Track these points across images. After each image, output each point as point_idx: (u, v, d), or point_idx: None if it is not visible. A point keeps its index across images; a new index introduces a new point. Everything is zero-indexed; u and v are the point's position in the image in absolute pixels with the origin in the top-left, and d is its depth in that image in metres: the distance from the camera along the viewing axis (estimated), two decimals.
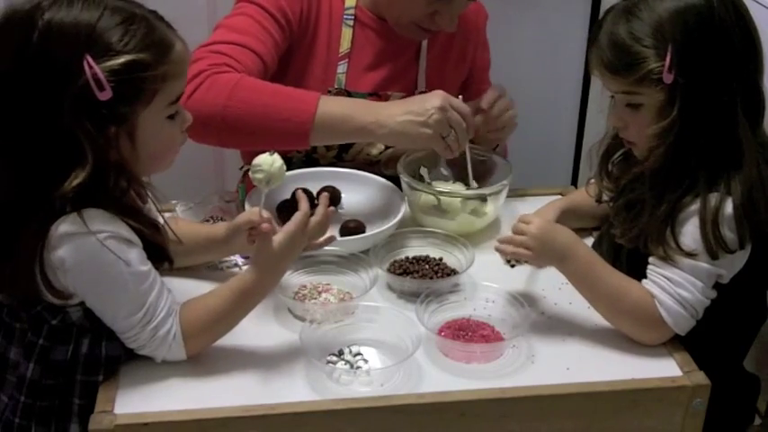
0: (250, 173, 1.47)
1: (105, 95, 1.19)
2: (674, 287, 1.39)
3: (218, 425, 1.26)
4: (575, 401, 1.34)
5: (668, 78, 1.35)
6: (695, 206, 1.38)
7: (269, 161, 1.44)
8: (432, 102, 1.59)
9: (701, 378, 1.36)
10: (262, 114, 1.59)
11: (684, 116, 1.36)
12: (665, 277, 1.40)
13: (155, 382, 1.33)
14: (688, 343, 1.42)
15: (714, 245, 1.36)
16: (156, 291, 1.30)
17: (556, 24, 2.59)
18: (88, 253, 1.23)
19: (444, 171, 1.80)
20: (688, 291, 1.38)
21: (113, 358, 1.33)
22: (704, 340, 1.43)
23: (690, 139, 1.37)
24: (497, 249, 1.48)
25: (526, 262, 1.52)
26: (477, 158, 1.76)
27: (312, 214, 1.67)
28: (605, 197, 1.58)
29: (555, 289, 1.56)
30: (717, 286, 1.41)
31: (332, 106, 1.62)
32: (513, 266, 1.54)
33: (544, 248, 1.43)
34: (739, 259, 1.41)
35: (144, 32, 1.24)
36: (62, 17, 1.20)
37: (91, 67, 1.18)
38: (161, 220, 1.38)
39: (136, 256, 1.28)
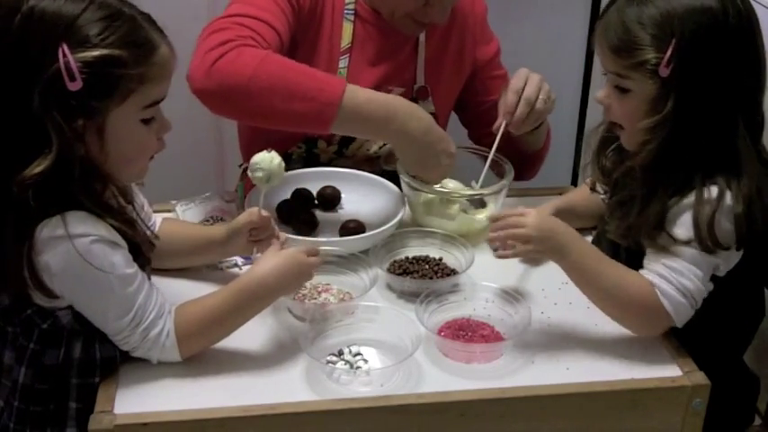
0: (249, 172, 1.46)
1: (75, 86, 1.18)
2: (675, 275, 1.37)
3: (218, 425, 1.26)
4: (574, 401, 1.34)
5: (664, 72, 1.34)
6: (689, 200, 1.37)
7: (267, 159, 1.44)
8: (444, 158, 1.65)
9: (700, 378, 1.36)
10: (287, 91, 1.55)
11: (678, 115, 1.35)
12: (666, 266, 1.38)
13: (154, 383, 1.33)
14: (687, 341, 1.43)
15: (708, 237, 1.35)
16: (145, 292, 1.30)
17: (556, 24, 2.59)
18: (72, 258, 1.22)
19: None
20: (689, 279, 1.37)
21: (109, 359, 1.32)
22: (703, 338, 1.43)
23: (683, 138, 1.36)
24: (493, 239, 1.46)
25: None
26: (495, 161, 1.76)
27: (312, 215, 1.69)
28: (599, 189, 1.58)
29: (555, 289, 1.56)
30: (715, 282, 1.41)
31: (359, 95, 1.58)
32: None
33: (544, 241, 1.41)
34: (735, 255, 1.40)
35: (126, 30, 1.23)
36: (45, 5, 1.19)
37: (65, 56, 1.18)
38: (138, 219, 1.37)
39: (121, 258, 1.27)
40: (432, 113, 1.90)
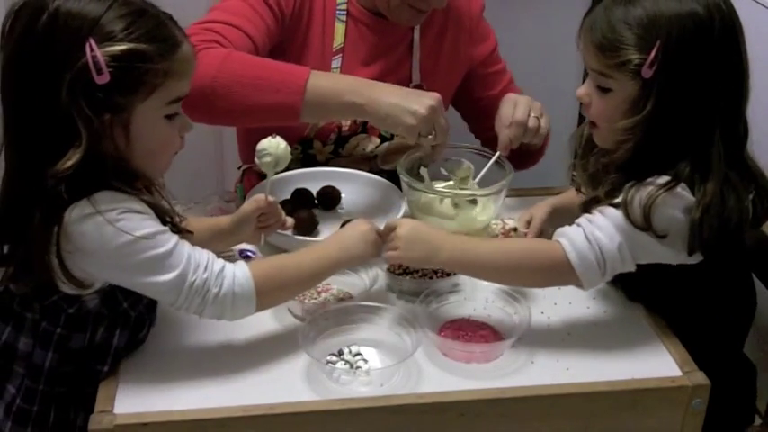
0: (256, 159, 1.48)
1: (103, 79, 1.20)
2: (590, 225, 1.37)
3: (218, 425, 1.27)
4: (574, 401, 1.34)
5: (647, 73, 1.33)
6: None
7: (274, 144, 1.46)
8: (427, 98, 1.60)
9: (700, 378, 1.36)
10: (252, 86, 1.57)
11: (656, 117, 1.34)
12: (586, 217, 1.39)
13: (154, 382, 1.33)
14: (685, 337, 1.43)
15: (639, 208, 1.33)
16: (188, 245, 1.29)
17: (555, 24, 2.58)
18: (105, 231, 1.22)
19: (444, 171, 1.80)
20: (603, 233, 1.36)
21: (119, 349, 1.34)
22: (700, 330, 1.44)
23: (659, 140, 1.36)
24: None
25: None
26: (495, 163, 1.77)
27: (312, 215, 1.69)
28: (584, 191, 1.58)
29: (555, 289, 1.55)
30: (702, 272, 1.40)
31: (323, 80, 1.62)
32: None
33: (411, 245, 1.41)
34: (678, 253, 1.38)
35: (151, 26, 1.25)
36: (70, 6, 1.22)
37: (92, 50, 1.20)
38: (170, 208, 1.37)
39: (152, 222, 1.27)
40: None
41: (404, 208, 1.70)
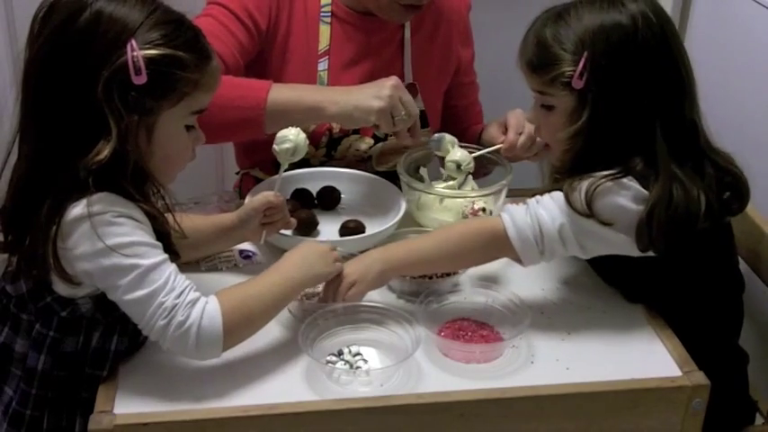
0: (275, 145, 1.52)
1: (140, 80, 1.22)
2: (534, 203, 1.42)
3: (218, 425, 1.27)
4: (574, 402, 1.34)
5: (577, 84, 1.38)
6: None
7: (294, 132, 1.52)
8: (385, 82, 1.63)
9: (700, 378, 1.36)
10: (213, 105, 1.55)
11: (592, 125, 1.38)
12: (534, 199, 1.43)
13: (154, 383, 1.33)
14: (680, 332, 1.44)
15: (583, 194, 1.36)
16: (172, 267, 1.28)
17: None
18: (94, 232, 1.22)
19: (433, 150, 1.80)
20: (546, 211, 1.40)
21: (119, 353, 1.34)
22: (694, 325, 1.46)
23: (598, 147, 1.39)
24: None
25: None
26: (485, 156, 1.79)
27: (312, 215, 1.69)
28: None
29: (555, 289, 1.56)
30: (679, 267, 1.42)
31: (284, 91, 1.65)
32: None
33: (364, 273, 1.44)
34: (627, 244, 1.39)
35: (189, 36, 1.29)
36: (113, 10, 1.24)
37: (133, 50, 1.22)
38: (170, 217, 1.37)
39: (144, 233, 1.27)
40: (421, 111, 1.90)
41: (404, 208, 1.70)
